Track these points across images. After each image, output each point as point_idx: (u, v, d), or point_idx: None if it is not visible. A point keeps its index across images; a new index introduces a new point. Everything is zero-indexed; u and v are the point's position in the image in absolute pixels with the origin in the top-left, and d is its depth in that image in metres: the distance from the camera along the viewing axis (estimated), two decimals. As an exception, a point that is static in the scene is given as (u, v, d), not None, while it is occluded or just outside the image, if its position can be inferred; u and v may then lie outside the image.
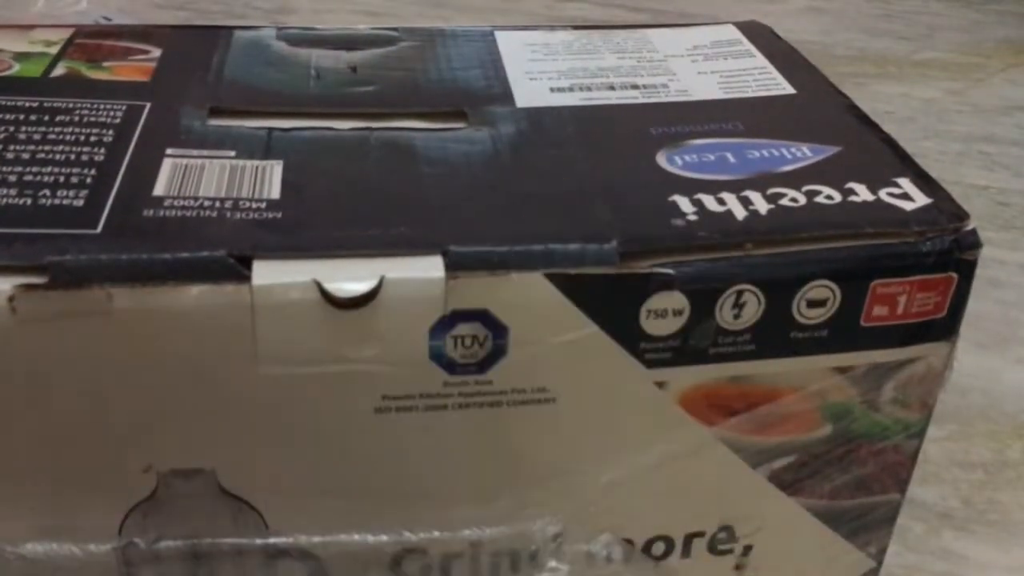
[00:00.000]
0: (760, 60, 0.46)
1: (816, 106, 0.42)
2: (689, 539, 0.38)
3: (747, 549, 0.39)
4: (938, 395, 0.37)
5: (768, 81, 0.44)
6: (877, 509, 0.39)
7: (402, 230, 0.32)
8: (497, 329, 0.32)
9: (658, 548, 0.38)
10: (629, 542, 0.37)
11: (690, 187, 0.36)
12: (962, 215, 0.34)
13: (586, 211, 0.35)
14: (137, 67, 0.42)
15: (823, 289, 0.33)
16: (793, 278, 0.33)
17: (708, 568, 0.39)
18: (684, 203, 0.35)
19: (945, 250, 0.34)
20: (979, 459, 0.58)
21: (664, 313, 0.32)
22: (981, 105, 0.96)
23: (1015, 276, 0.74)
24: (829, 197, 0.35)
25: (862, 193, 0.35)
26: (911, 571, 0.52)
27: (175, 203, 0.33)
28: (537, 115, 0.41)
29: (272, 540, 0.34)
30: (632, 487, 0.36)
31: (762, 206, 0.35)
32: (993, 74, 1.00)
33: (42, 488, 0.33)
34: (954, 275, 0.34)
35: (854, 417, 0.36)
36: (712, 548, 0.38)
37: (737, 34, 0.48)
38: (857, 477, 0.38)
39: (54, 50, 0.43)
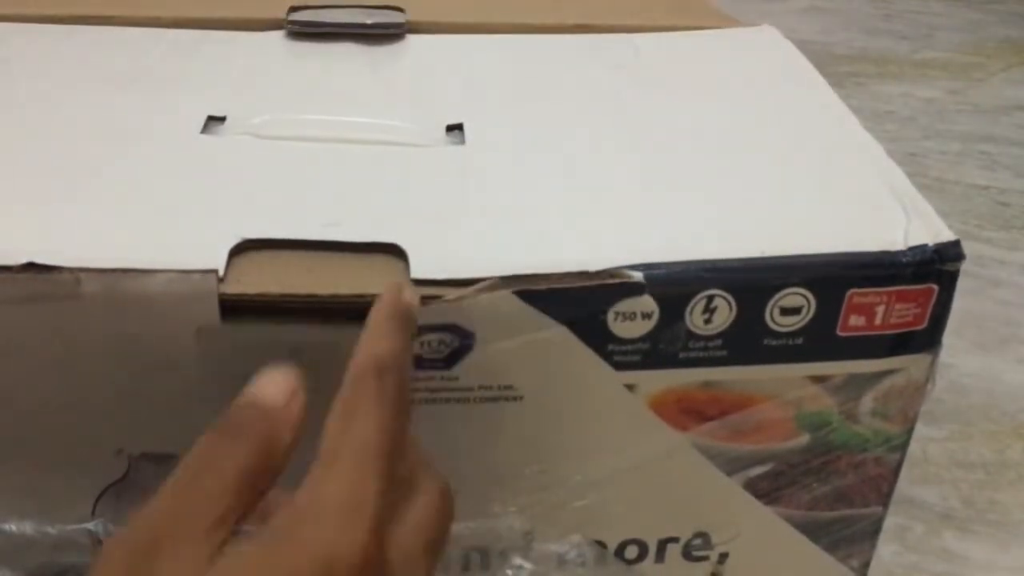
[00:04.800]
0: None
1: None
2: (663, 544, 0.38)
3: (723, 557, 0.38)
4: (920, 408, 0.36)
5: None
6: (858, 522, 0.39)
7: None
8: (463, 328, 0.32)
9: (631, 552, 0.38)
10: (601, 545, 0.37)
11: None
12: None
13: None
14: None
15: (797, 297, 0.33)
16: (766, 285, 0.33)
17: (683, 574, 0.38)
18: (662, 206, 0.35)
19: (926, 260, 0.33)
20: (979, 459, 0.57)
21: (632, 316, 0.32)
22: (981, 105, 0.95)
23: (1015, 276, 0.72)
24: (810, 204, 0.35)
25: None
26: (911, 571, 0.51)
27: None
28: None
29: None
30: (604, 489, 0.36)
31: (740, 211, 0.34)
32: (993, 74, 0.98)
33: (17, 468, 0.33)
34: (934, 286, 0.33)
35: (832, 427, 0.36)
36: (687, 554, 0.38)
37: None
38: (837, 488, 0.38)
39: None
